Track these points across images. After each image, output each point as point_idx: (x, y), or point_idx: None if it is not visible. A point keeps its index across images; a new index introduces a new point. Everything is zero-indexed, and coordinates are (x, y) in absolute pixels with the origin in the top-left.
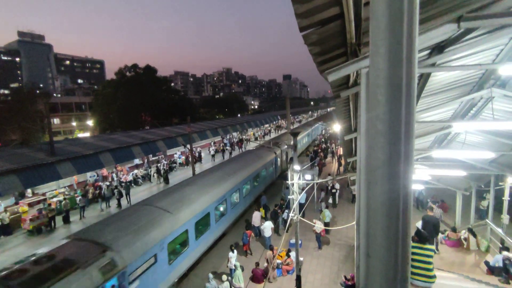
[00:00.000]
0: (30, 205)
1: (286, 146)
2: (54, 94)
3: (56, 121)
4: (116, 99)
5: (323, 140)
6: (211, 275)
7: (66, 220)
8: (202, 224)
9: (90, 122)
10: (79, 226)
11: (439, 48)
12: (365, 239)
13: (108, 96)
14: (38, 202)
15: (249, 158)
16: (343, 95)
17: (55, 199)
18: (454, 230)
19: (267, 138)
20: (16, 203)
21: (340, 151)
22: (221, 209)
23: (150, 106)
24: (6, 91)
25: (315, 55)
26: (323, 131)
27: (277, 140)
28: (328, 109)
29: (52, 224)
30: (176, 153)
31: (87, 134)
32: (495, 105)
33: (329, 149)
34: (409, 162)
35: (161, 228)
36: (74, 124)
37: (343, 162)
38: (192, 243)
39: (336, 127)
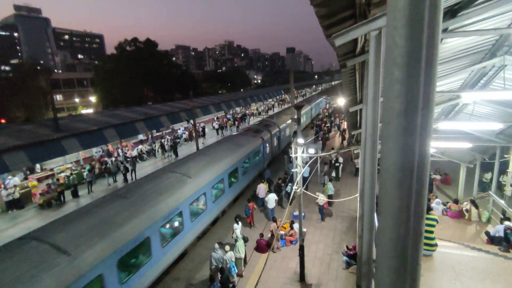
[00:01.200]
0: (39, 180)
1: (278, 129)
2: (55, 70)
3: (58, 97)
4: (118, 74)
5: (327, 114)
6: (217, 245)
7: (75, 195)
8: (134, 257)
9: (92, 98)
10: (87, 200)
11: (452, 12)
12: (370, 199)
13: (109, 71)
14: (47, 177)
15: (224, 150)
16: (350, 64)
17: (62, 174)
18: (456, 201)
19: (270, 112)
20: (26, 178)
21: (344, 125)
22: (176, 224)
23: (152, 81)
24: (7, 68)
25: (321, 17)
26: (327, 105)
27: (267, 121)
28: (333, 83)
29: (62, 198)
30: (179, 129)
31: (90, 111)
32: (507, 74)
33: (333, 123)
34: (429, 111)
35: (49, 279)
36: (77, 100)
37: (346, 136)
38: None
39: (341, 101)
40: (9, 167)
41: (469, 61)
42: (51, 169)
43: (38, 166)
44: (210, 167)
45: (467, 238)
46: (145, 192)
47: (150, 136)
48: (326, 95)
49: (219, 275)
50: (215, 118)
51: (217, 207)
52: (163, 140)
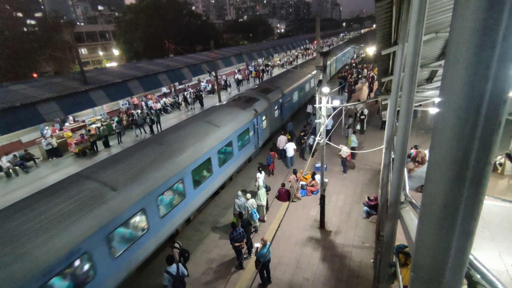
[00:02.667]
0: (73, 130)
1: (281, 95)
2: (77, 23)
3: (83, 51)
4: (138, 26)
5: (354, 64)
6: (240, 192)
7: (106, 145)
8: None
9: (115, 51)
10: (117, 150)
11: None
12: (402, 145)
13: (130, 23)
14: (79, 128)
15: (189, 135)
16: None
17: (93, 126)
18: None
19: (294, 63)
20: (61, 129)
21: (373, 74)
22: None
23: (173, 32)
24: (33, 22)
25: None
26: (355, 55)
27: (267, 86)
28: (362, 31)
29: (95, 147)
30: (202, 81)
31: (114, 64)
32: None
33: (360, 75)
34: None
35: None
36: (101, 53)
37: (374, 88)
38: None
39: (370, 50)
40: (44, 117)
41: None
42: (83, 121)
43: (71, 117)
44: (158, 166)
45: (498, 191)
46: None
47: (173, 89)
48: (354, 44)
49: (240, 219)
50: (237, 70)
51: (170, 222)
52: (185, 93)
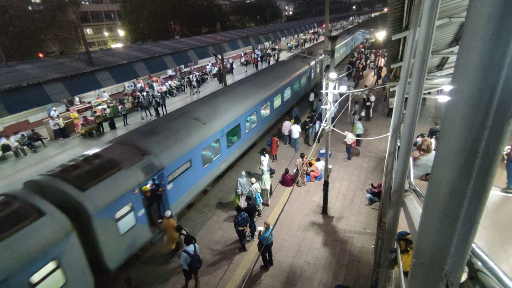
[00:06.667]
0: (79, 111)
1: (152, 173)
2: (82, 2)
3: (88, 31)
4: (144, 6)
5: (362, 50)
6: (243, 172)
7: (112, 126)
8: None
9: (121, 32)
10: (123, 131)
11: None
12: (409, 133)
13: (135, 2)
14: (85, 109)
15: None
16: None
17: (99, 107)
18: None
19: (302, 48)
20: (67, 110)
21: (381, 62)
22: None
23: (179, 13)
24: (38, 0)
25: None
26: (364, 40)
27: (113, 153)
28: (372, 15)
29: (101, 129)
30: (208, 64)
31: (119, 45)
32: None
33: (368, 60)
34: None
35: None
36: (106, 34)
37: (382, 74)
38: None
39: (380, 35)
40: (51, 97)
41: None
42: (89, 102)
43: (77, 99)
44: None
45: (503, 181)
46: None
47: (178, 72)
48: (364, 28)
49: (247, 203)
50: (243, 54)
51: None
52: (191, 76)
